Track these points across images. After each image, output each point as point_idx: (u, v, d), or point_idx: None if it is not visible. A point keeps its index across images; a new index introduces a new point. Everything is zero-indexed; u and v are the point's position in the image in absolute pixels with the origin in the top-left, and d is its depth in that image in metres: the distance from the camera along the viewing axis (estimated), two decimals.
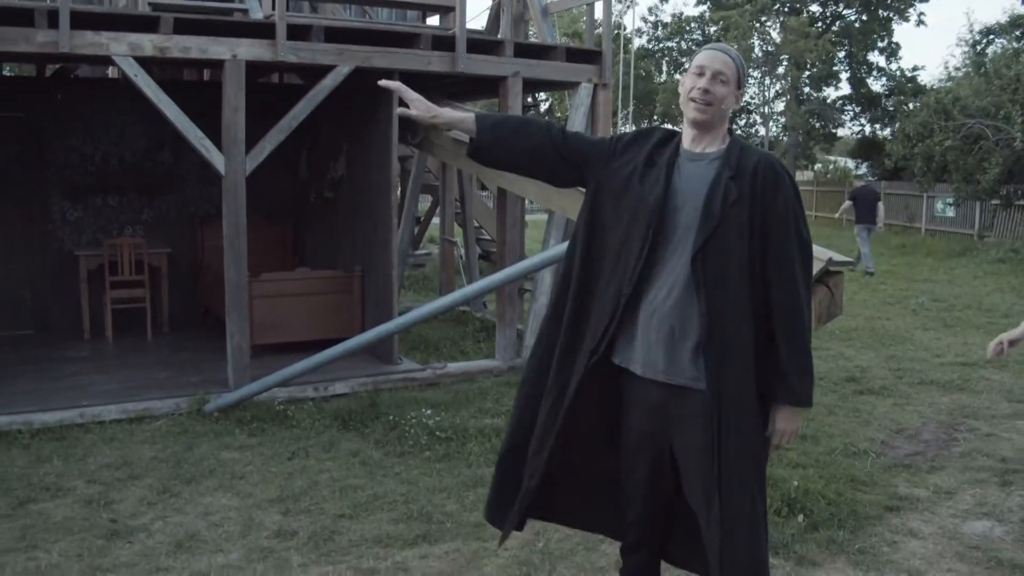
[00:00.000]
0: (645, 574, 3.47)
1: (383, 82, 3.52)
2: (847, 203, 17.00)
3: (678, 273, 3.02)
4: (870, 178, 30.98)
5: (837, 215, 19.95)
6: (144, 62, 6.84)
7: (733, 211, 2.99)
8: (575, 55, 8.80)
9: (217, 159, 7.05)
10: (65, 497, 5.21)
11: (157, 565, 4.34)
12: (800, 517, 4.81)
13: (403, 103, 3.44)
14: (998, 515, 5.05)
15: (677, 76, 37.61)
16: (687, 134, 3.18)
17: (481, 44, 8.33)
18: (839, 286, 4.81)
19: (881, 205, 16.61)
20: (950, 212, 22.94)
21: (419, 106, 3.30)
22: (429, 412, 6.71)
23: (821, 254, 4.84)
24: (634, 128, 34.75)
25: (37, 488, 5.31)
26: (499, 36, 9.72)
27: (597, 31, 9.01)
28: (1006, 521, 4.96)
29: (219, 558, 4.44)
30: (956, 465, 5.90)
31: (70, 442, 6.19)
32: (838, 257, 4.82)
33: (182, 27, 6.86)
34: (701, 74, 3.10)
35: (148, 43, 6.73)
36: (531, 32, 11.41)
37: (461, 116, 3.33)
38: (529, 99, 13.30)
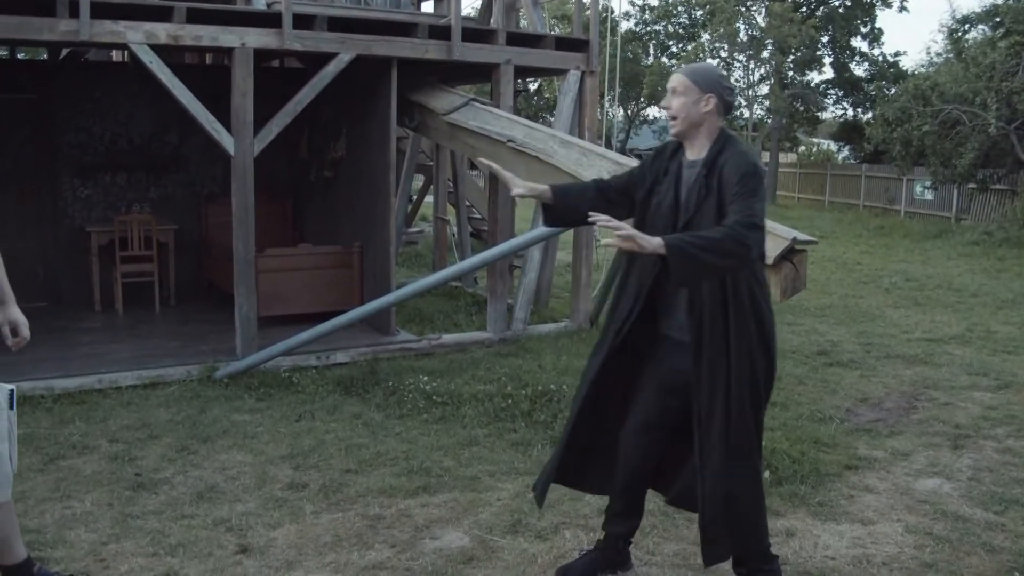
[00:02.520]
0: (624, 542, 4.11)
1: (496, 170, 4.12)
2: None
3: None
4: (852, 161, 31.42)
5: None
6: (157, 49, 7.19)
7: (706, 203, 3.58)
8: (564, 43, 9.16)
9: (227, 141, 7.42)
10: (91, 454, 5.60)
11: (182, 512, 4.74)
12: (766, 473, 5.14)
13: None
14: (948, 474, 5.46)
15: (664, 59, 37.83)
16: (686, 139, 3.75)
17: (475, 33, 8.70)
18: (803, 263, 5.22)
19: None
20: (928, 195, 23.28)
21: (517, 184, 3.87)
22: (426, 379, 7.09)
23: (786, 233, 5.26)
24: (621, 110, 34.87)
25: (64, 446, 5.70)
26: (492, 24, 10.05)
27: (586, 13, 9.36)
28: (955, 480, 5.37)
29: (238, 506, 4.84)
30: (914, 430, 6.31)
31: (90, 406, 6.59)
32: (802, 236, 5.24)
33: (194, 16, 7.22)
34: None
35: (163, 31, 7.10)
36: (522, 15, 11.75)
37: (541, 189, 3.93)
38: (519, 81, 13.62)
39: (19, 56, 12.58)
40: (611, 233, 3.31)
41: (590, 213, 3.37)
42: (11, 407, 3.50)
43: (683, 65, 3.97)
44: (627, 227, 3.27)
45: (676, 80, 3.70)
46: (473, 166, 13.87)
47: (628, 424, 3.88)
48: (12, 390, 3.52)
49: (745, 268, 3.51)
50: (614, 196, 3.91)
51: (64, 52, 10.47)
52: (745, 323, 3.57)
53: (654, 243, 3.26)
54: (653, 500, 4.89)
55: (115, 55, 12.00)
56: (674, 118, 3.68)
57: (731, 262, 3.36)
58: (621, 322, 3.82)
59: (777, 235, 5.25)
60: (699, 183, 3.61)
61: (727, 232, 3.31)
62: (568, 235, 9.71)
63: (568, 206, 3.95)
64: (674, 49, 38.27)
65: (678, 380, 3.73)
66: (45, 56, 10.93)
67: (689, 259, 3.26)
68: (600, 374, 3.88)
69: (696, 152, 3.69)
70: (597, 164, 6.96)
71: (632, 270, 3.86)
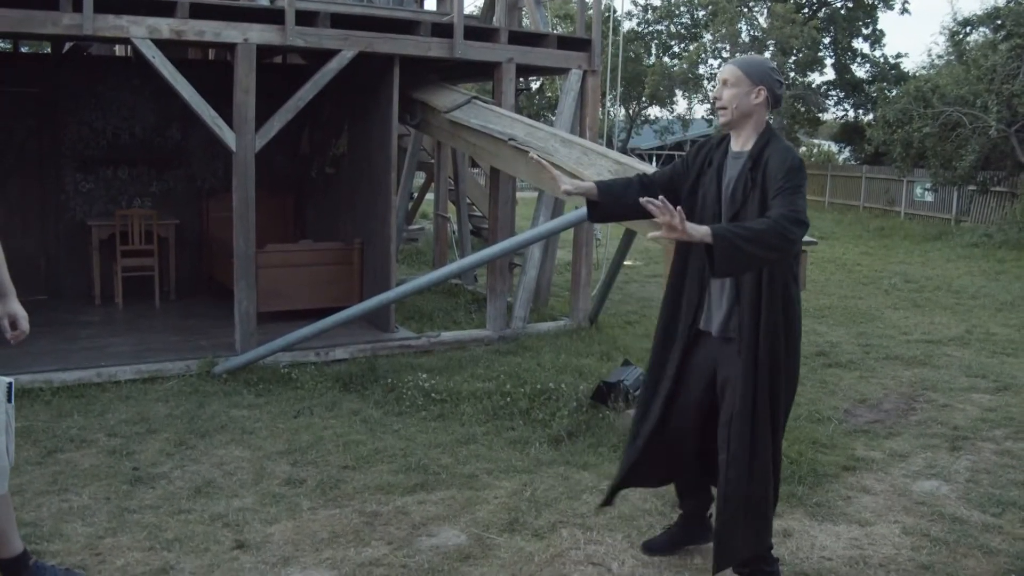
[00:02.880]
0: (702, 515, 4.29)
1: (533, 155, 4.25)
2: None
3: None
4: (852, 162, 31.43)
5: None
6: (161, 44, 7.19)
7: (751, 196, 3.62)
8: (566, 43, 9.17)
9: (228, 137, 7.43)
10: (89, 448, 5.61)
11: (179, 507, 4.74)
12: None
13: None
14: (946, 476, 5.47)
15: (666, 59, 37.82)
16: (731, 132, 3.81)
17: (477, 31, 8.69)
18: (803, 263, 5.25)
19: None
20: (928, 197, 23.30)
21: (564, 180, 4.03)
22: (424, 376, 7.09)
23: None
24: (623, 109, 34.85)
25: (62, 439, 5.71)
26: (494, 22, 10.05)
27: (588, 13, 9.36)
28: (952, 481, 5.38)
29: (235, 502, 4.84)
30: (912, 432, 6.33)
31: (89, 399, 6.59)
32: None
33: (197, 12, 7.22)
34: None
35: (165, 26, 7.10)
36: (524, 15, 11.75)
37: (588, 187, 4.04)
38: (520, 80, 13.62)
39: (23, 50, 12.56)
40: (643, 229, 3.35)
41: (641, 199, 3.34)
42: (9, 400, 3.50)
43: (736, 56, 4.02)
44: (678, 212, 3.25)
45: (728, 71, 3.74)
46: (474, 164, 13.88)
47: (682, 416, 3.95)
48: (10, 383, 3.52)
49: (785, 262, 3.56)
50: (658, 191, 3.89)
51: (67, 46, 10.47)
52: (780, 319, 3.62)
53: (701, 231, 3.27)
54: (651, 500, 4.92)
55: (118, 50, 11.99)
56: (723, 108, 3.72)
57: (774, 255, 3.39)
58: (691, 318, 3.86)
59: None
60: (744, 175, 3.65)
61: (772, 225, 3.33)
62: (568, 234, 9.71)
63: (614, 201, 3.99)
64: (676, 49, 38.26)
65: (713, 375, 3.81)
66: (49, 50, 10.92)
67: (735, 250, 3.28)
68: (678, 373, 3.92)
69: (741, 144, 3.73)
70: (598, 163, 6.96)
71: (687, 269, 3.88)
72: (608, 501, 4.34)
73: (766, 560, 3.85)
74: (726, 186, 3.72)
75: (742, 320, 3.64)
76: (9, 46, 12.48)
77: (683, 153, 38.66)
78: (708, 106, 35.63)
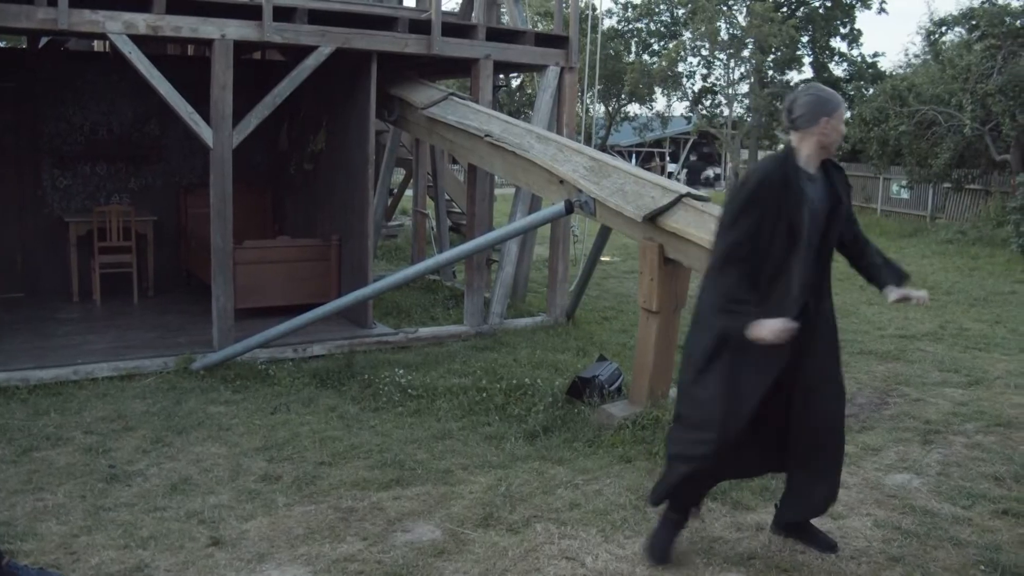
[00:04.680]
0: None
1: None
2: None
3: None
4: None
5: None
6: (137, 40, 7.16)
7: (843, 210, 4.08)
8: (543, 40, 9.20)
9: (205, 132, 7.41)
10: (65, 446, 5.59)
11: (155, 505, 4.74)
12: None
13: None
14: (917, 469, 5.53)
15: (645, 56, 37.87)
16: (815, 159, 4.01)
17: (455, 28, 8.72)
18: None
19: None
20: (904, 194, 23.45)
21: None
22: (401, 372, 7.12)
23: None
24: (602, 106, 34.86)
25: (38, 438, 5.69)
26: (472, 19, 10.06)
27: (567, 10, 9.40)
28: (924, 474, 5.44)
29: (211, 499, 4.85)
30: (885, 426, 6.38)
31: (66, 397, 6.57)
32: None
33: (174, 7, 7.20)
34: None
35: (142, 21, 7.08)
36: (503, 13, 11.76)
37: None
38: (501, 77, 13.63)
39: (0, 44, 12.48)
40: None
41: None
42: None
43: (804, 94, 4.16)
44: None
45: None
46: (454, 161, 13.87)
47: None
48: None
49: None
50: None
51: (44, 41, 10.41)
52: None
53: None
54: (625, 495, 4.95)
55: (96, 45, 11.93)
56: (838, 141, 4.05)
57: None
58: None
59: None
60: (832, 194, 4.00)
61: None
62: (545, 230, 9.75)
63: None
64: (656, 47, 38.32)
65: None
66: (26, 44, 10.86)
67: None
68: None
69: (815, 168, 3.98)
70: (573, 160, 6.99)
71: (789, 277, 3.95)
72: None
73: None
74: (829, 205, 3.99)
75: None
76: None
77: (662, 150, 38.49)
78: (687, 104, 35.70)
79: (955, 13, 23.95)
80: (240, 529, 4.47)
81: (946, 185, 20.90)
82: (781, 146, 26.56)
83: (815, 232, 3.91)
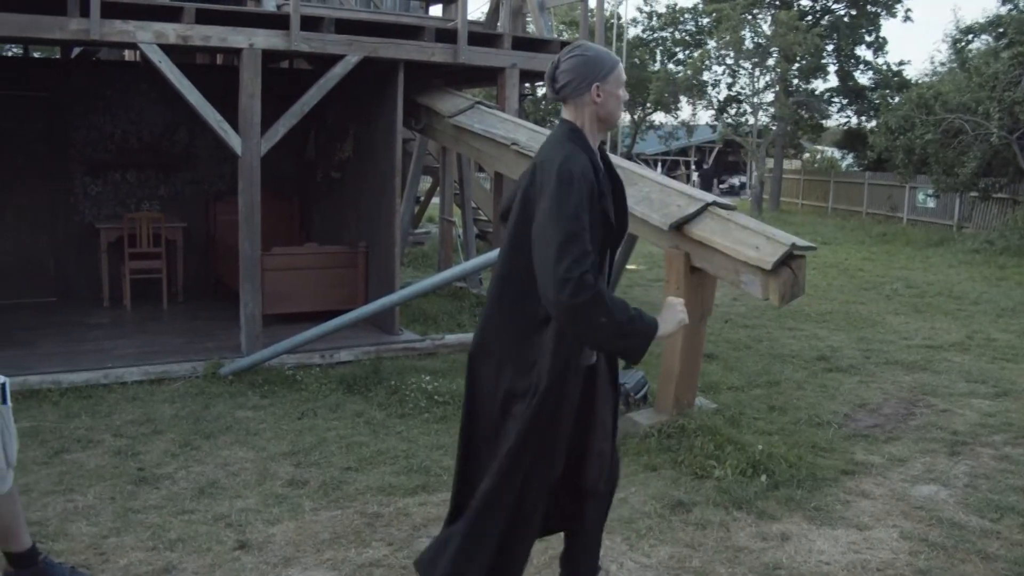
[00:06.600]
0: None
1: None
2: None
3: None
4: (855, 168, 31.47)
5: None
6: (167, 49, 7.25)
7: None
8: None
9: (234, 141, 7.48)
10: (95, 448, 5.65)
11: (183, 508, 4.78)
12: (763, 477, 5.26)
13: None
14: (944, 481, 5.49)
15: (670, 65, 37.86)
16: (595, 138, 3.29)
17: (481, 37, 8.75)
18: (802, 268, 5.30)
19: None
20: (931, 203, 23.32)
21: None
22: (428, 379, 7.13)
23: (785, 239, 5.32)
24: (628, 115, 34.86)
25: (69, 440, 5.76)
26: (498, 28, 10.09)
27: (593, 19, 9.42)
28: (951, 486, 5.40)
29: (238, 503, 4.88)
30: (911, 436, 6.35)
31: (96, 400, 6.64)
32: (801, 242, 5.30)
33: (203, 17, 7.28)
34: None
35: (172, 31, 7.16)
36: (529, 23, 11.80)
37: None
38: (527, 85, 13.66)
39: (33, 54, 12.65)
40: None
41: None
42: (4, 401, 3.47)
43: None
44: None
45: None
46: (480, 169, 13.91)
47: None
48: (4, 383, 3.48)
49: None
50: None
51: (76, 51, 10.54)
52: None
53: None
54: (651, 503, 4.96)
55: (127, 54, 12.07)
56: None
57: None
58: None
59: (776, 240, 5.31)
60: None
61: None
62: None
63: None
64: (681, 56, 38.29)
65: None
66: (58, 54, 11.01)
67: None
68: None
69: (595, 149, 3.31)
70: None
71: None
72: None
73: None
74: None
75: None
76: (20, 50, 12.55)
77: (688, 159, 38.44)
78: (712, 112, 35.64)
79: (982, 21, 23.80)
80: (267, 533, 4.50)
81: (973, 194, 20.78)
82: (806, 155, 26.38)
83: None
